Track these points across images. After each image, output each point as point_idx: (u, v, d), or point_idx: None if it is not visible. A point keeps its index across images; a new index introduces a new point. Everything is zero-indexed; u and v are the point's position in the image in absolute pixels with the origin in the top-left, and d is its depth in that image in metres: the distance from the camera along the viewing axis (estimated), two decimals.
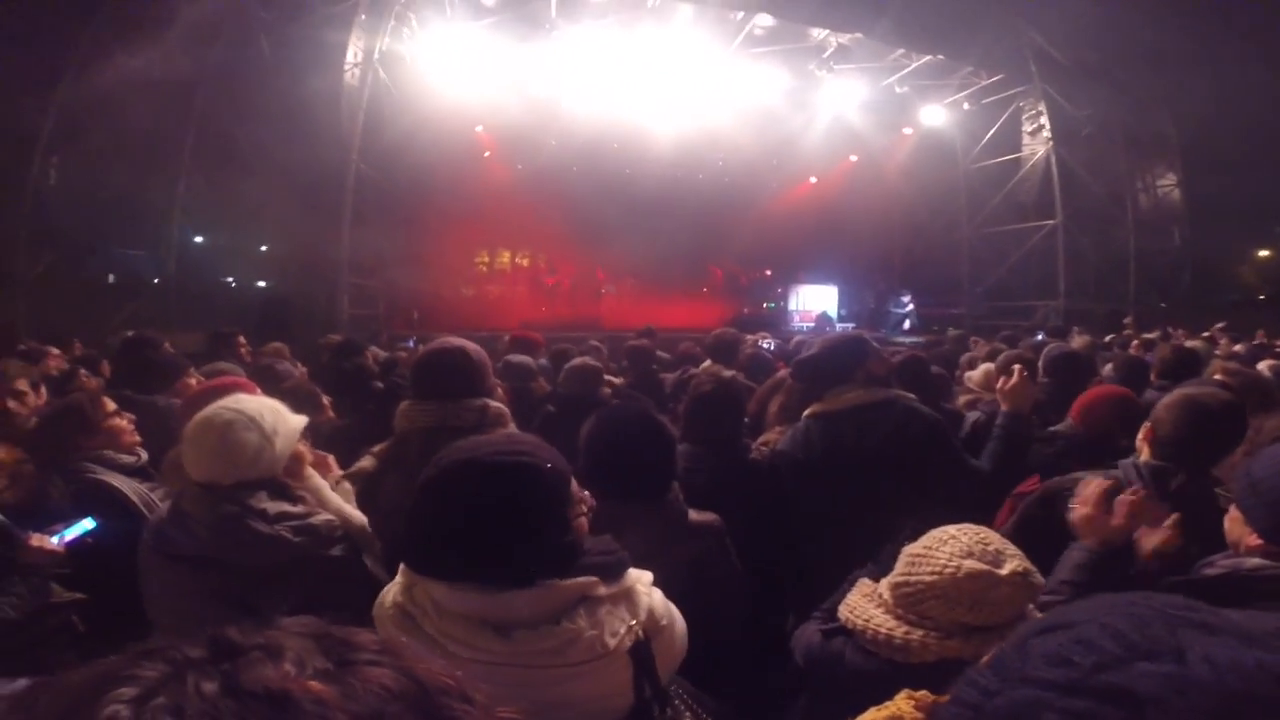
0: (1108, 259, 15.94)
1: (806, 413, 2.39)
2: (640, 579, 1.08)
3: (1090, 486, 1.54)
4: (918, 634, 1.28)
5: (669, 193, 15.84)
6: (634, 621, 1.00)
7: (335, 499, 1.95)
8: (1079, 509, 1.53)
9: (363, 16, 11.08)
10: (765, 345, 7.69)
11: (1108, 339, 7.61)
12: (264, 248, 13.17)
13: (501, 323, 11.56)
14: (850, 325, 16.11)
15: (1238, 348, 6.23)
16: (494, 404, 1.83)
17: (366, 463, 1.92)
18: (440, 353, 1.92)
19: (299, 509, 1.54)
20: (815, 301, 17.08)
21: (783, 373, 3.54)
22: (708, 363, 4.32)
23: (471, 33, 11.87)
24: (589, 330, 10.53)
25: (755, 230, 16.71)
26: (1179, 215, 16.81)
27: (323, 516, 1.57)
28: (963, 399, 3.80)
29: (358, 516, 1.86)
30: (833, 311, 16.88)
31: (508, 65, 12.53)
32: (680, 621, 1.13)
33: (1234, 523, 1.35)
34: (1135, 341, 6.75)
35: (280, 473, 1.58)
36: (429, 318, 12.55)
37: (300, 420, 1.66)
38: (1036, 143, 15.61)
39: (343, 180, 10.98)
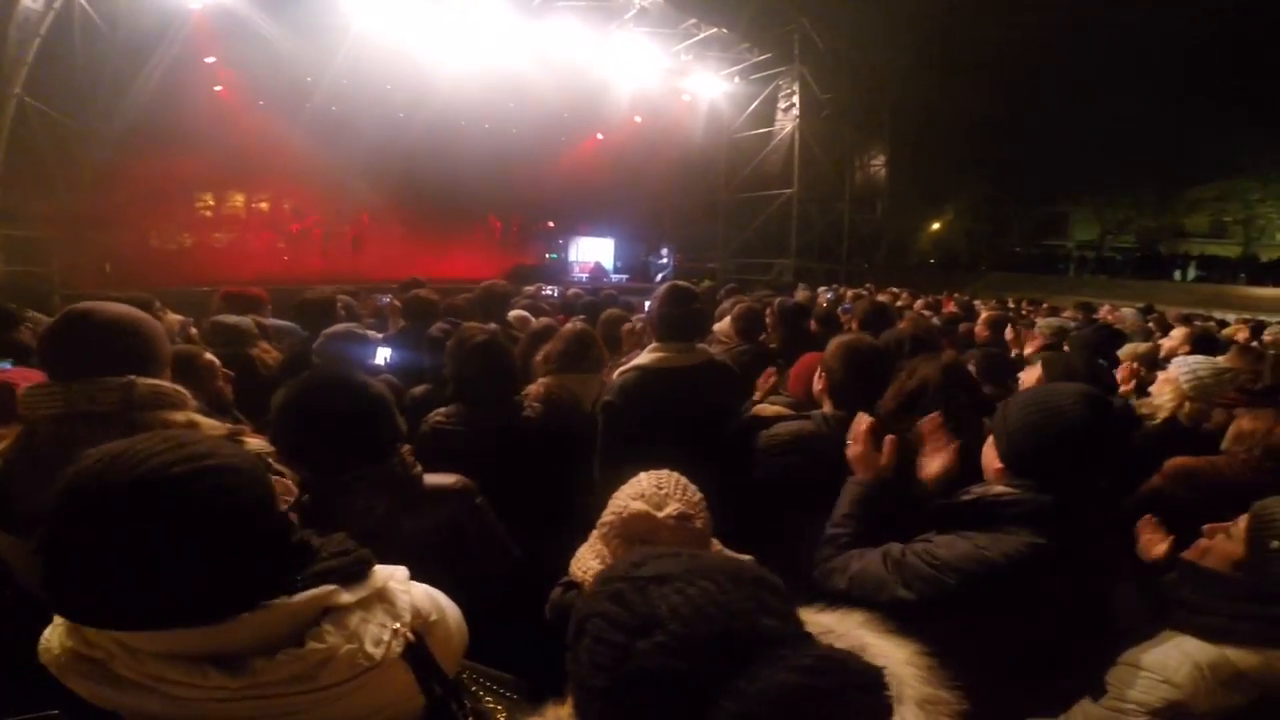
0: (828, 225, 18.99)
1: (643, 362, 2.35)
2: (393, 575, 0.94)
3: (861, 425, 1.62)
4: None
5: (450, 140, 14.75)
6: (398, 625, 0.88)
7: None
8: (853, 446, 1.62)
9: None
10: (548, 292, 7.70)
11: (820, 290, 9.22)
12: None
13: (231, 275, 9.88)
14: (624, 277, 16.97)
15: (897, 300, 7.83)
16: (147, 381, 1.43)
17: None
18: (68, 322, 1.45)
19: None
20: (592, 253, 17.63)
21: (539, 322, 3.48)
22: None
23: None
24: (347, 283, 9.49)
25: (540, 182, 16.50)
26: (882, 191, 20.49)
27: None
28: (715, 348, 4.17)
29: None
30: (608, 263, 17.58)
31: None
32: (451, 609, 1.02)
33: (988, 450, 1.50)
34: (849, 294, 8.17)
35: None
36: (128, 272, 10.21)
37: None
38: (786, 119, 17.74)
39: None
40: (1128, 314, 6.92)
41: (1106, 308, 7.91)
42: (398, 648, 0.86)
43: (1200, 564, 1.33)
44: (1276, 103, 21.49)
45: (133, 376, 1.41)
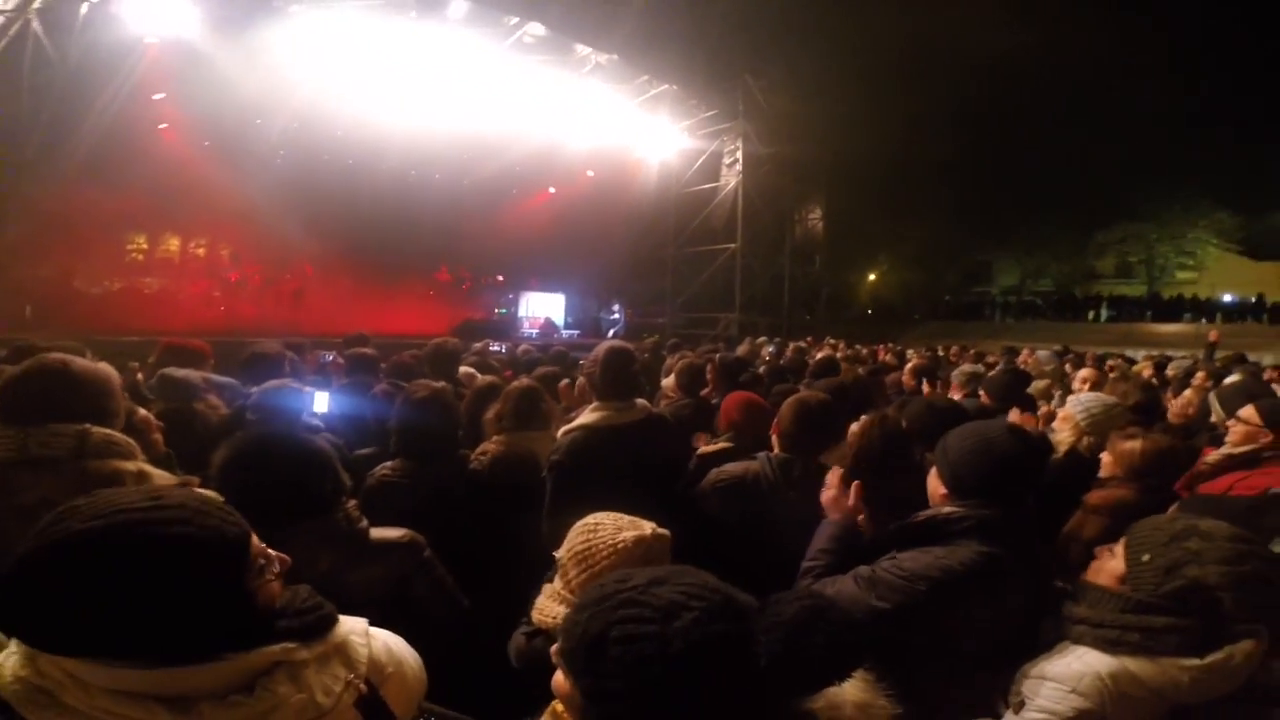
0: (770, 279, 19.70)
1: (587, 421, 2.41)
2: (353, 630, 0.99)
3: (835, 475, 1.82)
4: None
5: (399, 190, 14.73)
6: (351, 676, 0.92)
7: None
8: (826, 492, 1.81)
9: None
10: (496, 349, 7.67)
11: (758, 340, 9.60)
12: None
13: (161, 324, 9.50)
14: (575, 332, 17.06)
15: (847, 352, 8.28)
16: (101, 430, 1.46)
17: None
18: (33, 372, 1.47)
19: None
20: (543, 308, 17.68)
21: (484, 379, 3.52)
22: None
23: None
24: (286, 336, 9.25)
25: (491, 235, 16.55)
26: (820, 245, 21.46)
27: None
28: (663, 404, 4.27)
29: None
30: (558, 318, 17.64)
31: (217, 34, 10.48)
32: (411, 659, 1.07)
33: (933, 479, 1.72)
34: (791, 346, 8.48)
35: None
36: (50, 316, 9.71)
37: None
38: (730, 175, 18.47)
39: None
40: (1043, 356, 7.52)
41: (1026, 351, 8.52)
42: (349, 698, 0.91)
43: (1091, 581, 1.48)
44: (1164, 147, 25.08)
45: (88, 425, 1.43)
